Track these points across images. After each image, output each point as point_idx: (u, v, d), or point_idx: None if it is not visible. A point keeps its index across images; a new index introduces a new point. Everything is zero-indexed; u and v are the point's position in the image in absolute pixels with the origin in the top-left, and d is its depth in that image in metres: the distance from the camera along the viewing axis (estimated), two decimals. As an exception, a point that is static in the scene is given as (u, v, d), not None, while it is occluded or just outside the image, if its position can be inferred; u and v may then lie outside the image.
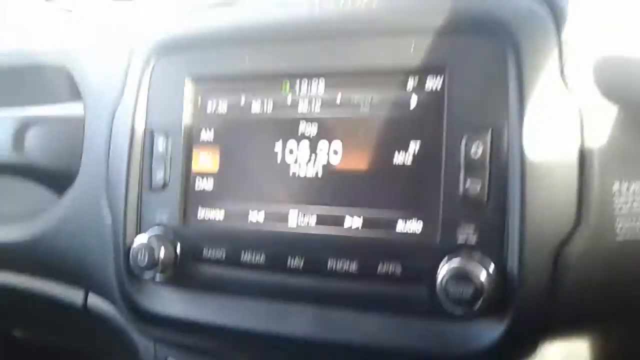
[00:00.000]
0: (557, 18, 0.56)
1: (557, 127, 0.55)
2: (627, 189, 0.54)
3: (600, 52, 0.56)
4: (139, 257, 0.67)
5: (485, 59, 0.57)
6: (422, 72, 0.59)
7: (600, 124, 0.55)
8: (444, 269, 0.55)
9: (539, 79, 0.55)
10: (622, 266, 0.55)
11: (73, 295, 0.86)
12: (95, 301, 0.85)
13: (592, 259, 0.54)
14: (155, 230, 0.69)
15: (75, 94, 0.85)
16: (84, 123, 0.81)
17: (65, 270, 0.84)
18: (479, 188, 0.56)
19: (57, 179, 0.82)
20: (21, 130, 0.82)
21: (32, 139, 0.82)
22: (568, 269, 0.54)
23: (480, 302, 0.53)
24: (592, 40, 0.56)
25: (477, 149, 0.56)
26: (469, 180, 0.56)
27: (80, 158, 0.80)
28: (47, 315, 0.97)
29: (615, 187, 0.54)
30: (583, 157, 0.54)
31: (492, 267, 0.54)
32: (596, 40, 0.56)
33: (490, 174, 0.56)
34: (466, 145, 0.57)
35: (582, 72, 0.55)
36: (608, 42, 0.56)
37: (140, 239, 0.68)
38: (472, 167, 0.56)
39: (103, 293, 0.81)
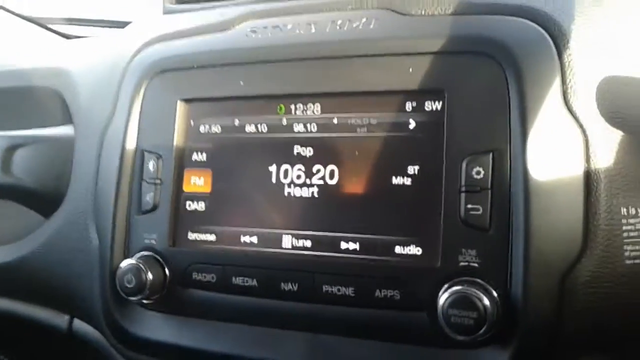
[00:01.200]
0: (558, 41, 0.56)
1: (560, 151, 0.54)
2: (636, 214, 0.53)
3: (602, 76, 0.55)
4: (125, 280, 0.65)
5: (485, 81, 0.56)
6: (421, 95, 0.58)
7: (605, 147, 0.54)
8: (445, 295, 0.53)
9: (542, 103, 0.54)
10: (631, 291, 0.53)
11: (58, 319, 0.83)
12: (80, 326, 0.81)
13: (599, 284, 0.53)
14: (143, 253, 0.67)
15: (66, 117, 0.83)
16: (73, 144, 0.79)
17: (50, 294, 0.81)
18: (480, 212, 0.55)
19: (45, 201, 0.80)
20: (9, 151, 0.80)
21: (20, 160, 0.80)
22: (575, 295, 0.53)
23: (483, 329, 0.51)
24: (593, 64, 0.55)
25: (479, 173, 0.55)
26: (470, 205, 0.55)
27: (69, 180, 0.78)
28: (31, 340, 0.94)
29: (623, 211, 0.53)
30: (589, 182, 0.53)
31: (495, 293, 0.53)
32: (598, 64, 0.55)
33: (492, 198, 0.54)
34: (467, 168, 0.55)
35: (585, 96, 0.54)
36: (610, 65, 0.56)
37: (128, 262, 0.65)
38: (474, 191, 0.55)
39: (88, 318, 0.78)
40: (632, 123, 0.54)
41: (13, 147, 0.80)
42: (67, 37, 1.34)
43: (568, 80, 0.55)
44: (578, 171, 0.53)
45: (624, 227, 0.53)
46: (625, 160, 0.54)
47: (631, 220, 0.53)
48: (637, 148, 0.54)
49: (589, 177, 0.53)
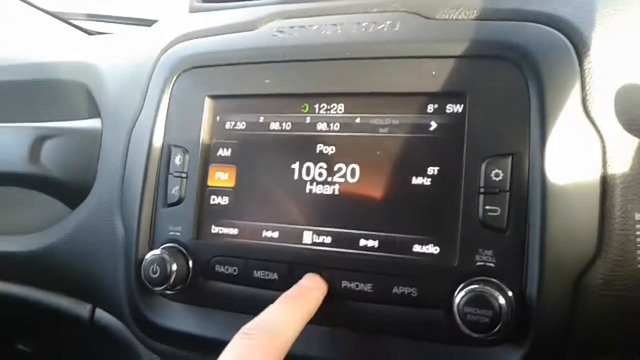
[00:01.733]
0: (579, 48, 0.57)
1: (578, 156, 0.55)
2: (649, 219, 0.54)
3: (621, 83, 0.56)
4: (150, 271, 0.67)
5: (506, 86, 0.57)
6: (443, 97, 0.60)
7: (622, 154, 0.55)
8: (461, 293, 0.55)
9: (561, 108, 0.55)
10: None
11: (80, 308, 0.86)
12: (102, 315, 0.84)
13: (612, 287, 0.54)
14: (168, 245, 0.69)
15: (93, 111, 0.86)
16: (100, 138, 0.81)
17: (73, 283, 0.83)
18: (498, 214, 0.56)
19: (72, 192, 0.82)
20: (38, 142, 0.82)
21: (48, 151, 0.82)
22: (588, 298, 0.54)
23: (498, 327, 0.53)
24: (613, 71, 0.57)
25: (498, 175, 0.56)
26: (488, 206, 0.56)
27: (95, 172, 0.80)
28: (52, 328, 0.96)
29: (637, 216, 0.54)
30: (605, 187, 0.54)
31: (510, 293, 0.54)
32: (617, 72, 0.57)
33: (510, 200, 0.56)
34: (486, 170, 0.57)
35: (603, 103, 0.56)
36: (629, 73, 0.57)
37: (153, 253, 0.67)
38: (492, 193, 0.56)
39: (111, 308, 0.80)
40: (649, 130, 0.56)
41: (42, 139, 0.83)
42: (89, 33, 1.37)
43: (587, 87, 0.56)
44: (595, 176, 0.55)
45: (637, 232, 0.54)
46: (641, 167, 0.55)
47: (645, 226, 0.54)
48: (653, 155, 0.56)
49: (605, 182, 0.54)
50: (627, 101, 0.56)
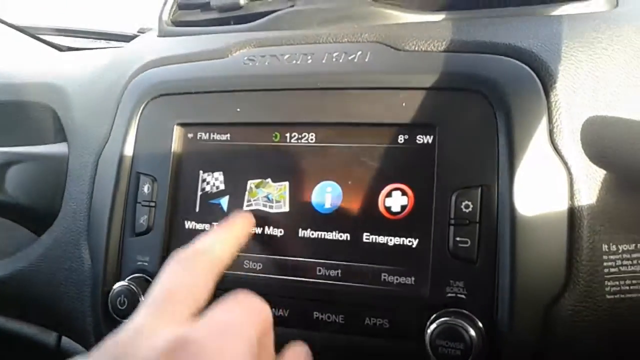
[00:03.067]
0: (545, 81, 0.58)
1: (546, 188, 0.56)
2: (616, 251, 0.55)
3: (586, 116, 0.57)
4: (118, 302, 0.65)
5: (475, 118, 0.58)
6: (413, 128, 0.60)
7: (589, 186, 0.56)
8: (433, 325, 0.54)
9: (529, 141, 0.56)
10: (612, 325, 0.55)
11: (45, 336, 0.84)
12: (69, 344, 0.82)
13: (582, 318, 0.54)
14: (135, 275, 0.68)
15: (60, 135, 0.84)
16: (66, 163, 0.79)
17: (39, 312, 0.81)
18: (469, 245, 0.56)
19: (37, 219, 0.80)
20: (3, 168, 0.80)
21: (12, 177, 0.80)
22: (559, 328, 0.54)
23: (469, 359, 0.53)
24: (579, 104, 0.57)
25: (467, 206, 0.57)
26: (458, 237, 0.57)
27: (62, 198, 0.78)
28: (18, 356, 0.94)
29: (604, 247, 0.55)
30: (572, 219, 0.55)
31: (481, 324, 0.54)
32: (583, 104, 0.58)
33: (480, 231, 0.56)
34: (456, 201, 0.57)
35: (570, 135, 0.57)
36: (594, 106, 0.58)
37: (120, 284, 0.66)
38: (462, 224, 0.57)
39: (78, 337, 0.79)
40: (614, 163, 0.56)
41: (6, 164, 0.81)
42: (59, 48, 1.34)
43: (554, 120, 0.57)
44: (562, 208, 0.55)
45: (605, 263, 0.55)
46: (607, 199, 0.56)
47: (612, 257, 0.55)
48: (619, 187, 0.56)
49: (573, 214, 0.55)
50: (593, 133, 0.57)
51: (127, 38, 1.38)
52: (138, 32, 1.37)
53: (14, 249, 0.83)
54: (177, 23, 0.87)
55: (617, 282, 0.55)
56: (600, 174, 0.56)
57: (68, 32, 1.47)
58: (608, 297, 0.55)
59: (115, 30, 1.47)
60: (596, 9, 0.67)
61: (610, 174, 0.56)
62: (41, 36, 1.32)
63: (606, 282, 0.55)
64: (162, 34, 0.85)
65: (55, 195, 0.79)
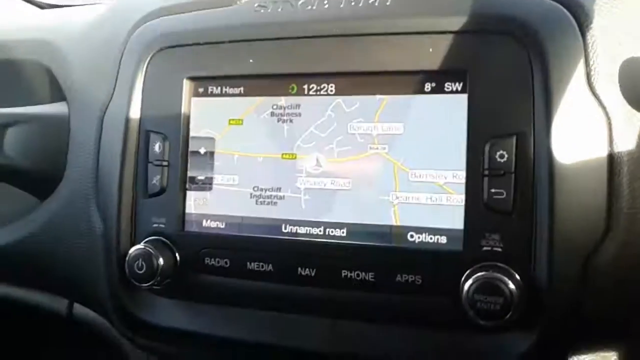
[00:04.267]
0: (581, 22, 0.55)
1: (584, 134, 0.53)
2: (655, 197, 0.53)
3: (624, 57, 0.55)
4: (136, 266, 0.63)
5: (508, 62, 0.55)
6: (442, 75, 0.57)
7: (628, 130, 0.53)
8: (469, 281, 0.53)
9: (566, 85, 0.53)
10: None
11: (56, 304, 0.81)
12: (81, 310, 0.80)
13: (622, 266, 0.53)
14: (152, 238, 0.65)
15: (57, 93, 0.80)
16: (67, 123, 0.75)
17: (48, 279, 0.79)
18: (504, 196, 0.54)
19: (40, 183, 0.77)
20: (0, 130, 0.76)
21: (11, 139, 0.76)
22: (598, 278, 0.53)
23: (510, 314, 0.51)
24: (616, 45, 0.55)
25: (502, 156, 0.54)
26: (493, 189, 0.54)
27: (65, 160, 0.74)
28: (28, 325, 0.91)
29: (645, 193, 0.53)
30: (612, 165, 0.53)
31: (519, 277, 0.53)
32: (620, 46, 0.55)
33: (515, 181, 0.54)
34: (490, 151, 0.55)
35: (608, 79, 0.54)
36: (632, 48, 0.55)
37: (137, 248, 0.64)
38: (497, 175, 0.54)
39: (91, 304, 0.77)
40: (655, 105, 0.54)
41: (3, 126, 0.76)
42: (40, 6, 1.28)
43: (591, 62, 0.54)
44: (602, 154, 0.53)
45: None
46: (648, 142, 0.54)
47: (653, 202, 0.53)
48: (659, 130, 0.54)
49: (612, 161, 0.53)
50: (631, 76, 0.54)
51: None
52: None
53: (16, 214, 0.80)
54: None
55: None
56: (639, 118, 0.54)
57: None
58: None
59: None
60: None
61: (650, 118, 0.54)
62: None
63: None
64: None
65: (58, 157, 0.75)
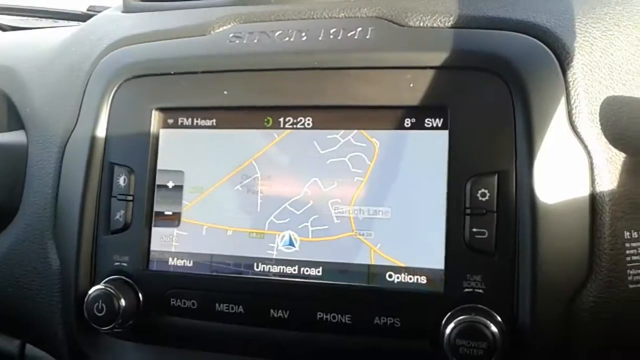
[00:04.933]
0: (562, 59, 0.55)
1: (566, 172, 0.52)
2: (638, 237, 0.52)
3: (604, 95, 0.54)
4: (95, 308, 0.59)
5: (490, 99, 0.54)
6: (422, 111, 0.56)
7: (610, 170, 0.53)
8: (451, 324, 0.51)
9: (548, 122, 0.53)
10: (634, 315, 0.53)
11: (7, 344, 0.76)
12: (33, 351, 0.75)
13: (604, 309, 0.52)
14: (113, 277, 0.61)
15: (14, 121, 0.76)
16: (25, 152, 0.71)
17: (0, 317, 0.73)
18: (486, 236, 0.53)
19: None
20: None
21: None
22: (580, 320, 0.52)
23: (493, 358, 0.49)
24: (596, 83, 0.55)
25: (484, 195, 0.53)
26: (475, 228, 0.53)
27: (21, 192, 0.70)
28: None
29: (626, 235, 0.52)
30: (594, 205, 0.52)
31: (502, 320, 0.51)
32: (600, 83, 0.55)
33: (497, 221, 0.53)
34: (471, 189, 0.53)
35: (589, 116, 0.54)
36: (611, 85, 0.55)
37: (97, 288, 0.60)
38: (478, 214, 0.53)
39: (45, 345, 0.72)
40: (635, 145, 0.54)
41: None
42: (2, 28, 1.24)
43: (573, 101, 0.54)
44: (584, 194, 0.52)
45: (627, 251, 0.52)
46: (628, 183, 0.53)
47: (633, 244, 0.53)
48: (639, 170, 0.54)
49: (595, 200, 0.52)
50: (612, 114, 0.54)
51: (76, 17, 1.29)
52: (88, 10, 1.28)
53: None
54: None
55: (639, 271, 0.53)
56: (620, 156, 0.54)
57: (9, 10, 1.35)
58: (630, 286, 0.52)
59: (62, 8, 1.37)
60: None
61: (630, 156, 0.54)
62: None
63: (628, 270, 0.52)
64: (128, 9, 0.77)
65: (14, 188, 0.71)
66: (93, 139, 0.64)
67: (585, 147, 0.53)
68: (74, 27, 0.95)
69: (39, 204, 0.68)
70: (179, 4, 0.74)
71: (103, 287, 0.59)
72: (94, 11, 1.25)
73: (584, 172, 0.53)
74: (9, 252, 0.70)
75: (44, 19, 1.36)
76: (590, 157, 0.53)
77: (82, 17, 1.25)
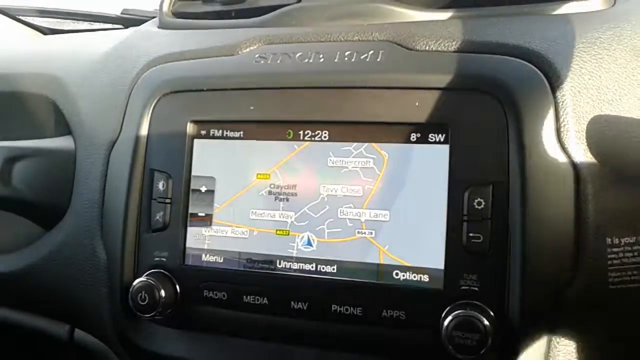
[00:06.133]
0: (552, 81, 0.61)
1: (554, 185, 0.59)
2: (619, 243, 0.59)
3: (591, 115, 0.60)
4: (139, 298, 0.67)
5: (486, 117, 0.60)
6: (426, 127, 0.62)
7: (594, 182, 0.59)
8: (449, 317, 0.58)
9: (538, 139, 0.59)
10: (615, 315, 0.60)
11: (58, 329, 0.85)
12: (82, 336, 0.83)
13: (586, 307, 0.59)
14: (154, 271, 0.69)
15: (62, 128, 0.84)
16: (73, 157, 0.80)
17: (51, 305, 0.82)
18: (481, 240, 0.59)
19: (45, 214, 0.81)
20: (8, 163, 0.80)
21: (19, 171, 0.80)
22: (565, 317, 0.59)
23: (485, 349, 0.56)
24: (584, 103, 0.60)
25: (480, 203, 0.60)
26: (471, 233, 0.60)
27: (70, 193, 0.79)
28: (29, 349, 0.94)
29: (608, 241, 0.58)
30: (579, 214, 0.58)
31: (494, 314, 0.58)
32: (588, 103, 0.60)
33: (492, 227, 0.59)
34: (469, 198, 0.60)
35: (576, 133, 0.59)
36: (599, 106, 0.60)
37: (140, 280, 0.68)
38: (475, 220, 0.60)
39: (93, 330, 0.80)
40: (615, 159, 0.60)
41: (12, 159, 0.81)
42: (42, 31, 1.31)
43: (561, 119, 0.60)
44: (570, 204, 0.58)
45: (609, 256, 0.59)
46: (610, 194, 0.59)
47: (614, 249, 0.59)
48: (620, 182, 0.60)
49: (579, 210, 0.58)
50: (597, 132, 0.60)
51: (110, 19, 1.35)
52: (122, 13, 1.35)
53: (22, 242, 0.84)
54: (178, 15, 0.86)
55: (619, 274, 0.59)
56: (604, 170, 0.59)
57: (48, 13, 1.43)
58: (611, 287, 0.59)
59: (97, 12, 1.44)
60: (595, 7, 0.69)
61: (613, 170, 0.60)
62: (20, 17, 1.28)
63: (609, 273, 0.59)
64: (163, 25, 0.85)
65: (63, 190, 0.79)
66: (135, 147, 0.72)
67: (572, 161, 0.59)
68: (111, 33, 1.02)
69: (87, 205, 0.76)
70: (209, 22, 0.81)
71: (145, 279, 0.67)
72: (128, 14, 1.33)
73: (570, 184, 0.59)
74: (60, 247, 0.79)
75: (79, 22, 1.43)
76: (576, 171, 0.59)
77: (117, 20, 1.33)
